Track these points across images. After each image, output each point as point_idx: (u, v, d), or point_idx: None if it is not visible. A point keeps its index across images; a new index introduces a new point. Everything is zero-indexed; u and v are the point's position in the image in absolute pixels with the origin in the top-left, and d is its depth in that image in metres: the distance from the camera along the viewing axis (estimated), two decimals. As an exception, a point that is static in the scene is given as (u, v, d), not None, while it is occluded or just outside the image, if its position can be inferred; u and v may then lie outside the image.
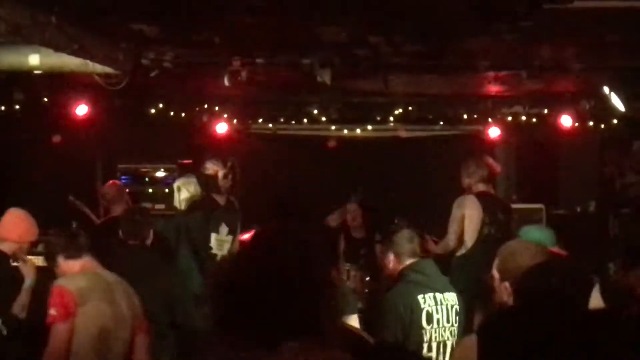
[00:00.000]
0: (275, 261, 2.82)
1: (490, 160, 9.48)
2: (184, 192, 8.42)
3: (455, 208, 9.21)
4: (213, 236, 8.34)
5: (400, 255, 6.38)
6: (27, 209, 8.19)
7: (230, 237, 8.43)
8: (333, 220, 11.36)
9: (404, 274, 6.31)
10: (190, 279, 7.89)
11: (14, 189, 11.09)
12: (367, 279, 10.39)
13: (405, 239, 6.45)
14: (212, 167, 8.41)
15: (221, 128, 12.49)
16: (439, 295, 6.25)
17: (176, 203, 9.45)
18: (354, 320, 6.79)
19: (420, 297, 6.20)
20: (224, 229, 8.39)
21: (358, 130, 12.76)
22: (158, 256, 7.23)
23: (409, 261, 6.37)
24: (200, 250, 8.27)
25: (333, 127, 12.67)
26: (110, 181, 9.78)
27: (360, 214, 11.43)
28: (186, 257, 8.23)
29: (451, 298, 6.32)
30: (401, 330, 6.13)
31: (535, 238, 6.16)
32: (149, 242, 6.87)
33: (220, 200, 8.46)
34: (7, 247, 7.25)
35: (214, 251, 8.31)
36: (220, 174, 8.36)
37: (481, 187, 9.28)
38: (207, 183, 8.47)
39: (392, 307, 6.20)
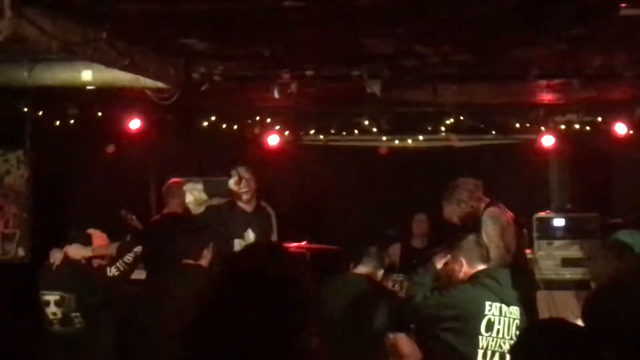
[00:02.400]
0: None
1: None
2: (189, 196, 8.41)
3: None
4: (237, 242, 8.33)
5: (472, 260, 6.38)
6: (82, 221, 8.32)
7: None
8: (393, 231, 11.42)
9: (477, 277, 6.31)
10: None
11: (68, 203, 11.23)
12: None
13: (474, 243, 6.46)
14: (231, 181, 8.43)
15: (273, 140, 12.53)
16: (504, 308, 6.21)
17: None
18: (401, 339, 6.81)
19: (487, 303, 6.19)
20: (250, 234, 8.37)
21: (409, 141, 12.73)
22: (209, 275, 7.24)
23: (481, 266, 6.38)
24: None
25: (384, 138, 12.65)
26: (172, 179, 9.85)
27: (426, 224, 11.40)
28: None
29: (515, 312, 6.27)
30: (457, 327, 6.16)
31: (629, 242, 6.08)
32: (204, 262, 6.87)
33: (247, 207, 8.45)
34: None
35: None
36: (231, 181, 8.37)
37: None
38: (229, 191, 8.50)
39: (455, 303, 6.22)
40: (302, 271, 2.92)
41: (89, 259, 7.63)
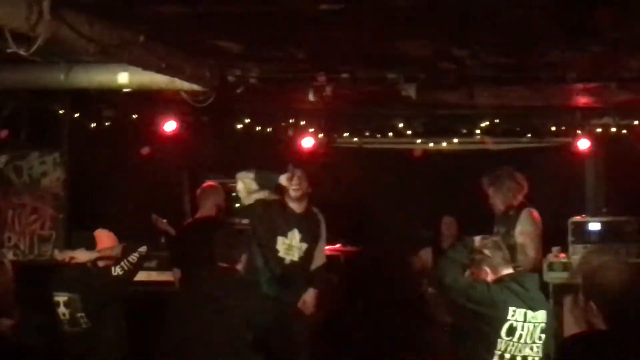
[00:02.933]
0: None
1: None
2: (239, 183, 8.41)
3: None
4: (280, 239, 8.32)
5: (496, 266, 6.37)
6: (116, 222, 8.37)
7: (303, 245, 8.38)
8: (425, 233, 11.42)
9: (506, 281, 6.29)
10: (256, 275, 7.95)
11: (104, 204, 11.27)
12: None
13: (494, 248, 6.43)
14: (283, 177, 8.42)
15: (307, 142, 12.53)
16: (530, 313, 6.19)
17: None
18: None
19: (512, 309, 6.17)
20: (295, 234, 8.36)
21: (444, 143, 12.69)
22: (246, 279, 7.26)
23: (506, 270, 6.36)
24: (264, 249, 8.28)
25: (418, 140, 12.62)
26: (206, 182, 9.85)
27: (455, 226, 11.41)
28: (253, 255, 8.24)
29: (541, 316, 6.24)
30: (478, 325, 6.15)
31: None
32: (240, 266, 6.88)
33: (296, 207, 8.43)
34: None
35: (281, 254, 8.30)
36: (283, 176, 8.36)
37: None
38: (279, 188, 8.49)
39: (482, 301, 6.21)
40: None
41: (94, 260, 7.71)
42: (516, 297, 6.20)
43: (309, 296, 8.33)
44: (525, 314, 6.18)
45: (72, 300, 7.46)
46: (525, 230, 8.45)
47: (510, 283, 6.27)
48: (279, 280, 8.20)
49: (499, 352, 6.14)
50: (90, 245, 7.79)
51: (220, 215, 9.44)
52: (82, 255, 7.66)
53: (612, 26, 6.75)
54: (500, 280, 6.31)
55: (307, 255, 8.40)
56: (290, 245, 8.31)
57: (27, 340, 5.55)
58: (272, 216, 8.35)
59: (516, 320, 6.15)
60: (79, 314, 7.42)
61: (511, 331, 6.16)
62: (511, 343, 6.15)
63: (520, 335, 6.16)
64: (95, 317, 7.46)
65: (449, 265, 6.46)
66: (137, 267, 7.69)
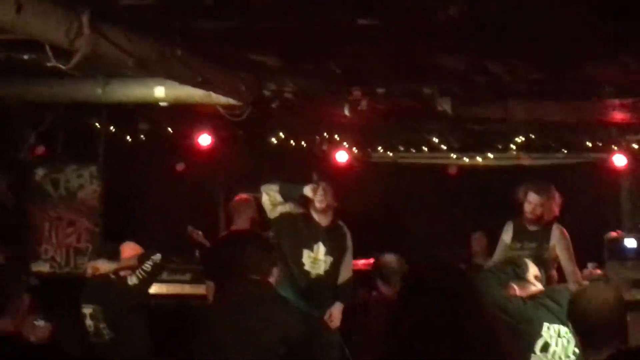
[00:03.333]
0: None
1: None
2: (264, 195, 8.43)
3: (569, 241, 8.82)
4: (306, 252, 8.32)
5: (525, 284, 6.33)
6: (151, 234, 8.44)
7: (329, 258, 8.36)
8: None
9: (539, 297, 6.26)
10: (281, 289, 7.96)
11: (139, 216, 11.34)
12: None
13: (527, 267, 6.41)
14: (307, 188, 8.42)
15: (341, 156, 12.53)
16: (563, 329, 6.14)
17: None
18: None
19: (546, 325, 6.13)
20: (320, 248, 8.35)
21: (479, 158, 12.65)
22: (278, 292, 7.28)
23: (537, 287, 6.34)
24: (289, 262, 8.27)
25: (453, 155, 12.59)
26: (239, 195, 9.87)
27: (485, 242, 11.37)
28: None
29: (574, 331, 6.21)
30: (512, 337, 6.10)
31: None
32: (272, 279, 6.91)
33: (322, 220, 8.42)
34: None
35: (307, 268, 8.30)
36: (308, 188, 8.36)
37: None
38: (305, 201, 8.50)
39: (515, 314, 6.17)
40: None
41: (116, 271, 7.78)
42: (549, 313, 6.16)
43: (336, 310, 8.32)
44: (559, 330, 6.14)
45: (96, 311, 7.55)
46: (566, 245, 8.47)
47: (543, 299, 6.23)
48: (304, 294, 8.18)
49: None
50: (116, 256, 7.89)
51: (254, 228, 9.45)
52: (104, 266, 7.75)
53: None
54: (533, 297, 6.28)
55: (333, 269, 8.38)
56: (315, 259, 8.30)
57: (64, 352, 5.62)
58: (298, 229, 8.33)
59: (550, 337, 6.12)
60: (101, 325, 7.49)
61: (545, 347, 6.11)
62: (545, 359, 6.12)
63: (554, 352, 6.12)
64: (116, 327, 7.53)
65: (489, 278, 6.44)
66: (153, 275, 7.74)
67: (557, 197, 8.62)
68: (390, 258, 7.29)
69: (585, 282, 8.44)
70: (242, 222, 9.41)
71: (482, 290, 6.26)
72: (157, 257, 7.76)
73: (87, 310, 7.61)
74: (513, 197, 8.75)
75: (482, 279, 6.47)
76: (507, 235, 8.76)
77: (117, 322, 7.56)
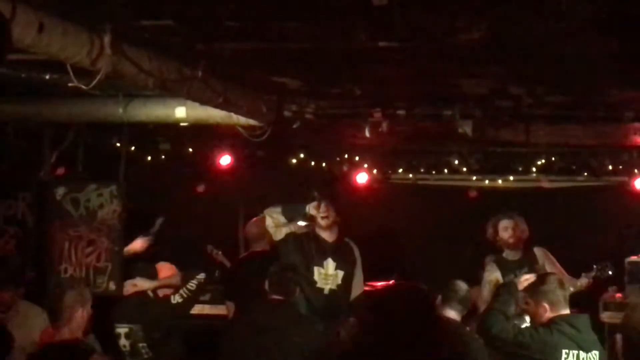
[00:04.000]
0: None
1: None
2: (268, 219, 8.48)
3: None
4: (316, 269, 8.33)
5: (556, 303, 6.26)
6: (173, 255, 8.46)
7: (340, 272, 8.39)
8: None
9: (556, 322, 6.19)
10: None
11: (159, 237, 11.32)
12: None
13: (557, 286, 6.34)
14: (310, 206, 8.47)
15: (361, 178, 12.53)
16: (582, 354, 6.11)
17: None
18: None
19: (564, 351, 6.08)
20: (330, 263, 8.37)
21: (499, 181, 12.61)
22: (299, 312, 7.29)
23: (564, 310, 6.26)
24: (302, 281, 8.29)
25: (474, 178, 12.56)
26: (254, 218, 9.89)
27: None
28: None
29: (594, 357, 6.16)
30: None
31: None
32: (293, 299, 6.92)
33: (327, 236, 8.45)
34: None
35: (319, 285, 8.31)
36: (311, 205, 8.40)
37: None
38: (309, 219, 8.54)
39: (533, 347, 6.13)
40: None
41: (155, 290, 7.79)
42: (568, 339, 6.11)
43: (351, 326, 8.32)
44: (578, 355, 6.10)
45: (133, 331, 7.53)
46: (551, 260, 8.69)
47: (561, 324, 6.17)
48: (320, 311, 8.18)
49: None
50: (151, 276, 7.92)
51: (274, 249, 9.45)
52: (143, 283, 7.77)
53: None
54: (551, 322, 6.21)
55: (345, 283, 8.41)
56: (327, 275, 8.33)
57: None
58: (305, 247, 8.37)
59: None
60: (140, 344, 7.48)
61: None
62: None
63: None
64: (157, 347, 7.51)
65: (494, 316, 6.39)
66: (197, 294, 7.78)
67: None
68: (462, 285, 7.26)
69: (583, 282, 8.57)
70: (262, 244, 9.41)
71: (492, 330, 6.25)
72: (202, 276, 7.83)
73: (122, 329, 7.58)
74: (482, 237, 8.98)
75: (488, 319, 6.42)
76: (494, 274, 8.84)
77: (159, 341, 7.55)
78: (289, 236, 8.41)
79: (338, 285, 8.36)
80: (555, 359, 6.07)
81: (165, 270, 8.02)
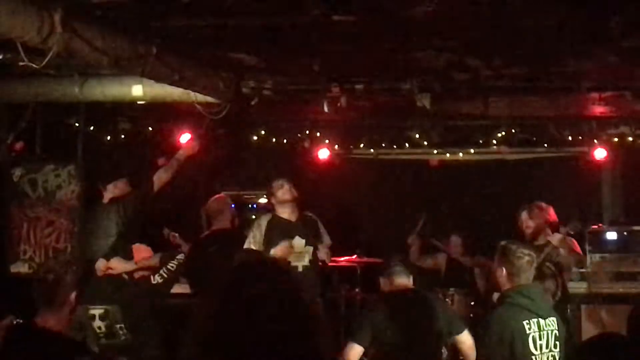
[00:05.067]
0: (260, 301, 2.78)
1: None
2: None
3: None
4: None
5: (514, 274, 6.23)
6: (132, 236, 8.43)
7: (310, 248, 8.46)
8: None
9: (510, 296, 6.21)
10: None
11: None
12: (472, 303, 10.36)
13: (519, 257, 6.29)
14: (274, 186, 8.56)
15: (323, 153, 12.50)
16: (542, 321, 6.15)
17: None
18: (465, 336, 6.81)
19: (525, 322, 6.11)
20: (299, 241, 8.42)
21: (460, 154, 12.63)
22: None
23: (518, 282, 6.23)
24: None
25: (435, 151, 12.57)
26: (215, 195, 9.85)
27: (461, 247, 11.33)
28: None
29: (552, 323, 6.21)
30: (508, 354, 6.05)
31: None
32: None
33: (290, 216, 8.51)
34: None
35: (294, 263, 8.35)
36: (279, 191, 8.48)
37: None
38: (272, 201, 8.63)
39: (495, 328, 6.15)
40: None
41: (131, 272, 7.75)
42: (523, 310, 6.15)
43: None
44: (538, 323, 6.14)
45: (110, 312, 7.48)
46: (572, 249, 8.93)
47: (514, 297, 6.19)
48: None
49: None
50: (127, 257, 7.90)
51: (235, 227, 9.43)
52: (120, 265, 7.72)
53: (626, 35, 6.71)
54: (503, 297, 6.26)
55: (315, 258, 8.51)
56: (299, 253, 8.36)
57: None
58: (273, 231, 8.40)
59: (534, 332, 6.11)
60: (117, 325, 7.44)
61: (535, 344, 6.11)
62: (540, 356, 6.12)
63: (541, 346, 6.12)
64: (135, 328, 7.48)
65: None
66: (177, 274, 7.76)
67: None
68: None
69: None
70: (223, 222, 9.37)
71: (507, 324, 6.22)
72: (181, 256, 7.82)
73: (96, 311, 7.52)
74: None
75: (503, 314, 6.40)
76: None
77: (138, 322, 7.52)
78: (255, 223, 8.49)
79: (310, 261, 8.42)
80: (522, 330, 6.09)
81: (142, 252, 7.98)
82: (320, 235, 8.68)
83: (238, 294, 2.81)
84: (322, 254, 8.60)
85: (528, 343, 6.09)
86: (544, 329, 6.16)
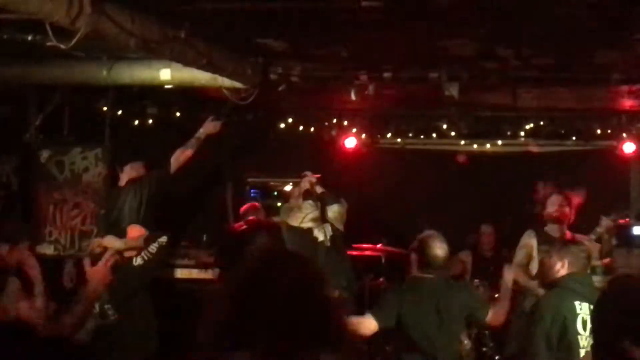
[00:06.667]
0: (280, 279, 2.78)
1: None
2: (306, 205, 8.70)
3: None
4: (315, 229, 8.60)
5: (572, 264, 6.59)
6: (160, 219, 8.46)
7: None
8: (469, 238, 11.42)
9: (564, 280, 6.51)
10: None
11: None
12: (496, 295, 10.31)
13: (580, 252, 6.73)
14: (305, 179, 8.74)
15: (350, 142, 12.49)
16: (591, 307, 6.18)
17: None
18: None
19: (577, 303, 6.34)
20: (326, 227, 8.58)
21: (488, 145, 12.58)
22: None
23: (572, 270, 6.56)
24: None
25: (462, 142, 12.53)
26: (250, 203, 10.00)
27: (493, 236, 11.33)
28: None
29: None
30: (557, 332, 6.28)
31: None
32: None
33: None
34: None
35: (320, 239, 8.58)
36: (306, 183, 8.79)
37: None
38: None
39: (547, 310, 6.39)
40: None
41: (120, 252, 7.77)
42: (575, 293, 6.40)
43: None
44: (589, 307, 6.20)
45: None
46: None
47: (568, 282, 6.48)
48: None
49: (583, 350, 6.23)
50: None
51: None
52: (112, 243, 7.73)
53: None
54: (559, 281, 6.53)
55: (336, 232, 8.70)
56: (324, 229, 8.55)
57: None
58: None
59: (585, 314, 6.33)
60: (106, 306, 7.47)
61: (585, 325, 6.24)
62: (587, 337, 6.20)
63: (590, 329, 6.13)
64: (122, 309, 7.51)
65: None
66: (158, 256, 7.74)
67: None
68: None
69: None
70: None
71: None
72: (163, 239, 7.77)
73: None
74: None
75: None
76: (530, 240, 9.11)
77: (123, 303, 7.55)
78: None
79: (331, 237, 8.65)
80: (572, 309, 6.31)
81: (134, 231, 8.00)
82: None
83: (257, 279, 2.82)
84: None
85: (576, 322, 6.29)
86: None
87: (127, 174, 8.77)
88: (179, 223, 10.22)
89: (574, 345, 6.25)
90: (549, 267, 6.74)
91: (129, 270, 7.63)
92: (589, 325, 6.18)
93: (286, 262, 2.89)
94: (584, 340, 6.23)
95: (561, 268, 6.60)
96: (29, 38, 6.76)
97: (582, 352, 6.22)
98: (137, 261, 7.64)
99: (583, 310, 6.30)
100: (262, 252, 3.04)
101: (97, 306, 7.51)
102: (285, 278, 2.79)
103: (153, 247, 7.70)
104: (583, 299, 6.33)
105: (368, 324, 6.70)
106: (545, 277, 6.92)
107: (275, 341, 2.68)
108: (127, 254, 7.72)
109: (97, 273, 5.84)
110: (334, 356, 2.71)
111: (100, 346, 7.41)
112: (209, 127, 9.10)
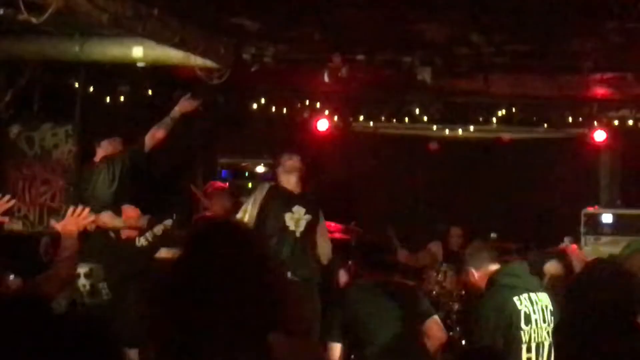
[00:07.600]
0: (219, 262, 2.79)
1: None
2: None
3: None
4: (287, 215, 8.43)
5: (479, 267, 6.27)
6: (134, 201, 8.43)
7: (308, 217, 8.52)
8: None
9: (495, 279, 6.18)
10: None
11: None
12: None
13: (477, 249, 6.44)
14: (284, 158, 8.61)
15: (322, 125, 12.47)
16: (533, 296, 6.14)
17: None
18: (434, 322, 6.72)
19: (515, 298, 6.09)
20: (299, 209, 8.47)
21: (460, 131, 12.61)
22: None
23: (492, 266, 6.25)
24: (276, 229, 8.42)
25: (434, 127, 12.55)
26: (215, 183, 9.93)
27: (462, 238, 11.29)
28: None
29: (544, 298, 6.19)
30: (501, 334, 6.04)
31: None
32: None
33: (294, 188, 8.57)
34: None
35: (292, 228, 8.41)
36: (289, 161, 8.57)
37: None
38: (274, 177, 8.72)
39: (488, 313, 6.11)
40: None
41: (118, 230, 7.73)
42: (511, 288, 6.12)
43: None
44: (529, 297, 6.13)
45: (94, 270, 7.46)
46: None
47: (500, 279, 6.17)
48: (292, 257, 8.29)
49: (525, 345, 6.08)
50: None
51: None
52: (109, 219, 7.69)
53: (631, 16, 6.68)
54: (490, 283, 6.21)
55: (310, 228, 8.55)
56: (297, 219, 8.39)
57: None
58: (274, 200, 8.51)
59: (526, 307, 6.08)
60: (100, 284, 7.43)
61: (527, 319, 6.07)
62: (532, 331, 6.09)
63: (536, 320, 6.09)
64: (117, 288, 7.47)
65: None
66: (162, 240, 7.73)
67: None
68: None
69: None
70: (217, 211, 9.44)
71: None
72: (169, 222, 7.77)
73: (81, 269, 7.43)
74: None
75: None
76: None
77: (119, 283, 7.51)
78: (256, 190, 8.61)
79: (305, 228, 8.52)
80: (512, 307, 6.06)
81: (129, 212, 7.96)
82: (319, 215, 8.72)
83: (201, 247, 2.84)
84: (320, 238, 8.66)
85: (519, 318, 6.03)
86: (537, 303, 6.14)
87: (104, 149, 8.70)
88: (150, 201, 10.18)
89: (518, 341, 6.02)
90: (472, 285, 6.51)
91: (130, 250, 7.61)
92: (533, 317, 6.11)
93: (229, 232, 2.92)
94: (526, 335, 6.05)
95: (475, 276, 6.31)
96: (0, 12, 6.69)
97: (525, 348, 6.03)
98: (141, 242, 7.62)
99: (523, 303, 6.07)
100: (207, 222, 3.07)
101: (88, 284, 7.46)
102: (227, 247, 2.83)
103: (158, 229, 7.69)
104: (521, 290, 6.11)
105: (337, 351, 6.55)
106: (475, 288, 6.55)
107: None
108: (124, 234, 7.69)
109: (69, 224, 5.66)
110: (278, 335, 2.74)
111: None
112: (184, 105, 8.99)
